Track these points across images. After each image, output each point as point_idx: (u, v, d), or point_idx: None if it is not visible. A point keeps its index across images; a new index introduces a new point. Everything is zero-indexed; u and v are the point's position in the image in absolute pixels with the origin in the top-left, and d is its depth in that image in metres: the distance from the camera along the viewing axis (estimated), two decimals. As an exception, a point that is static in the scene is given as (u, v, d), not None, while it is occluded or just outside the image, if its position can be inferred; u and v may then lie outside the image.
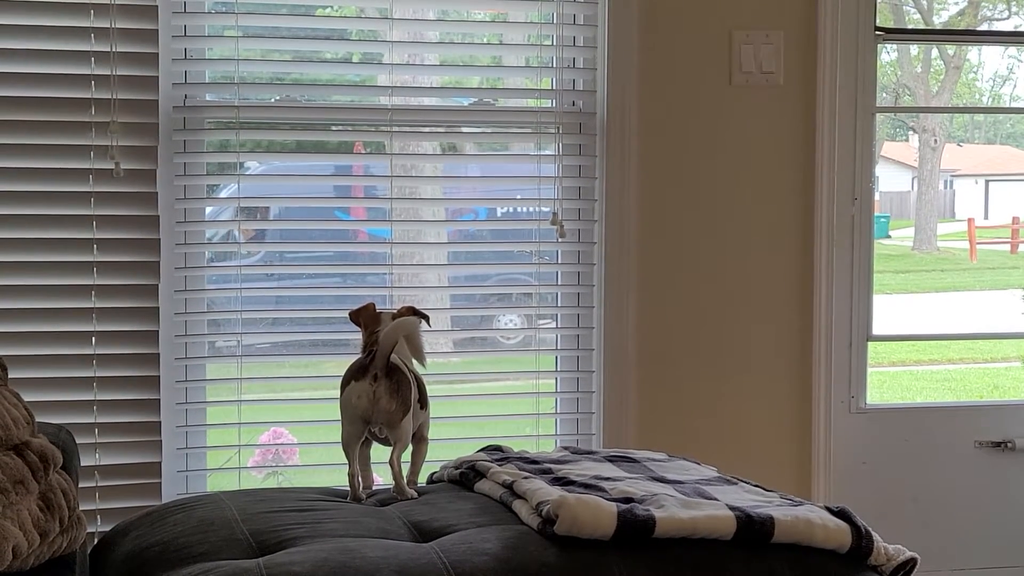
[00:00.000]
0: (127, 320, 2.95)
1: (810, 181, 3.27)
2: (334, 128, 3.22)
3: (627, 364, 3.18)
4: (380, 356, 2.19)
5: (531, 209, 3.25)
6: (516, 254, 3.34)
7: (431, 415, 2.42)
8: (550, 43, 3.16)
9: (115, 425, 2.94)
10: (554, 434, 3.24)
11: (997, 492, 3.42)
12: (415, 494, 2.24)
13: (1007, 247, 8.29)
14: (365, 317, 2.38)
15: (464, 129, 3.31)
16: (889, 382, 6.95)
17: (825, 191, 3.26)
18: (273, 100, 3.15)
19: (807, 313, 3.29)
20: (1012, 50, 5.48)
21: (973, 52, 5.90)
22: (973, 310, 7.33)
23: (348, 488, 2.24)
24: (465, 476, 2.27)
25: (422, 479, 2.39)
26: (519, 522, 1.96)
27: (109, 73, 2.88)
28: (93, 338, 2.93)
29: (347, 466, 2.24)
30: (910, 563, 1.97)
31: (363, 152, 3.34)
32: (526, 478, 2.08)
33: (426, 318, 2.36)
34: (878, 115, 3.43)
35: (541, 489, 1.99)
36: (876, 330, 3.38)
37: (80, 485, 2.31)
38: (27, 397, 2.05)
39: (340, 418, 2.24)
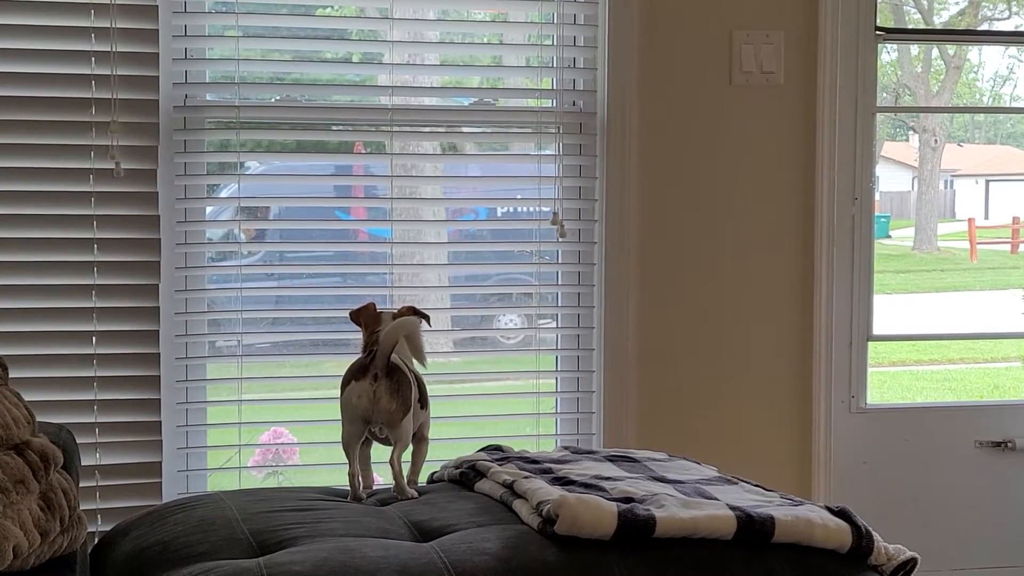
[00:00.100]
0: (127, 320, 2.95)
1: (810, 181, 3.27)
2: (334, 128, 3.22)
3: (627, 364, 3.18)
4: (380, 356, 2.19)
5: (531, 209, 3.25)
6: (516, 254, 3.34)
7: (431, 415, 2.42)
8: (550, 43, 3.16)
9: (115, 425, 2.94)
10: (554, 434, 3.24)
11: (997, 492, 3.42)
12: (415, 494, 2.24)
13: (1007, 247, 8.29)
14: (365, 317, 2.38)
15: (464, 129, 3.31)
16: (889, 382, 6.95)
17: (825, 191, 3.26)
18: (273, 100, 3.15)
19: (807, 313, 3.29)
20: (1012, 50, 5.47)
21: (973, 52, 5.90)
22: (973, 310, 7.33)
23: (348, 488, 2.24)
24: (465, 476, 2.27)
25: (422, 479, 2.39)
26: (519, 522, 1.96)
27: (109, 73, 2.88)
28: (94, 338, 2.93)
29: (347, 466, 2.24)
30: (910, 563, 1.97)
31: (363, 152, 3.35)
32: (526, 478, 2.08)
33: (426, 318, 2.36)
34: (878, 115, 3.43)
35: (541, 489, 1.99)
36: (876, 330, 3.38)
37: (81, 485, 2.31)
38: (28, 397, 2.05)
39: (340, 418, 2.24)
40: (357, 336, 2.43)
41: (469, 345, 3.45)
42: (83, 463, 2.54)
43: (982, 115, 7.58)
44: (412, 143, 3.27)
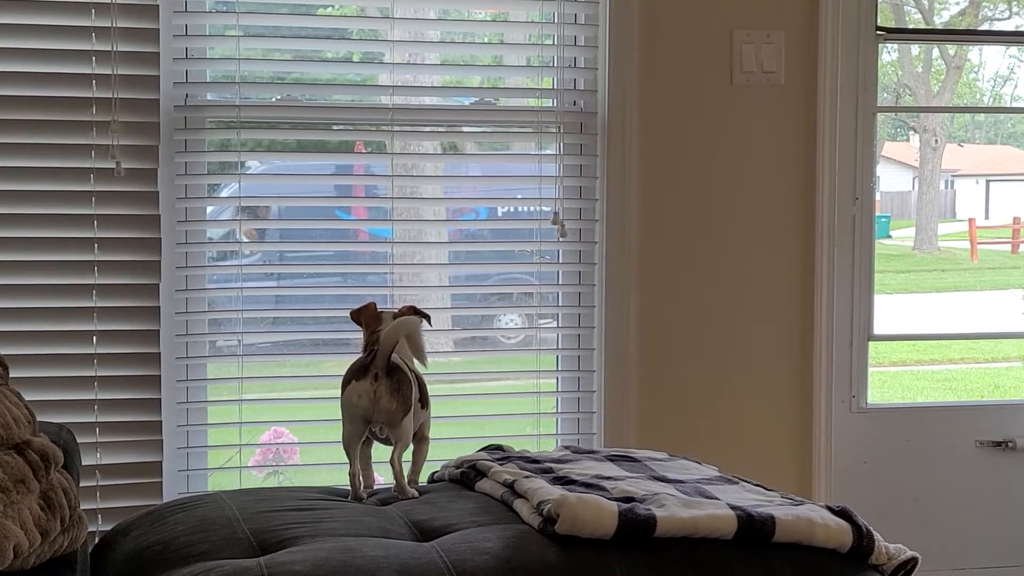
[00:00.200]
0: (128, 319, 2.95)
1: (811, 181, 3.27)
2: (335, 127, 3.22)
3: (628, 363, 3.18)
4: (381, 355, 2.19)
5: (532, 208, 3.25)
6: (517, 253, 3.34)
7: (432, 414, 2.42)
8: (551, 42, 3.16)
9: (116, 424, 2.94)
10: (555, 433, 3.24)
11: (998, 492, 3.42)
12: (416, 493, 2.24)
13: (1008, 247, 8.30)
14: (366, 316, 2.38)
15: (465, 128, 3.31)
16: (890, 382, 6.95)
17: (826, 191, 3.26)
18: (274, 99, 3.15)
19: (808, 313, 3.29)
20: (1013, 50, 5.48)
21: (974, 52, 5.90)
22: (974, 310, 7.34)
23: (349, 487, 2.24)
24: (466, 475, 2.27)
25: (423, 478, 2.39)
26: (520, 521, 1.96)
27: (110, 72, 2.88)
28: (94, 337, 2.93)
29: (348, 465, 2.24)
30: (911, 562, 1.97)
31: (364, 151, 3.35)
32: (527, 477, 2.08)
33: (427, 317, 2.36)
34: (879, 115, 3.43)
35: (542, 488, 1.99)
36: (877, 330, 3.38)
37: (81, 484, 2.31)
38: (28, 396, 2.05)
39: (341, 417, 2.24)
40: (358, 336, 2.43)
41: (470, 345, 3.45)
42: (84, 463, 2.54)
43: (982, 115, 7.59)
44: (413, 143, 3.27)
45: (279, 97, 3.18)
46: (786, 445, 3.29)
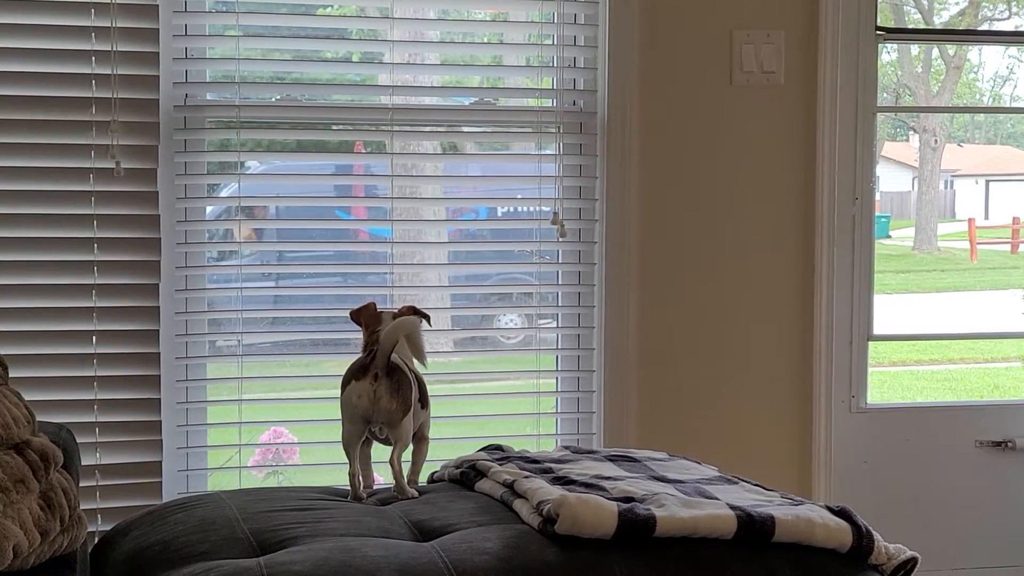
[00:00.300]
0: (128, 319, 2.95)
1: (811, 181, 3.27)
2: (335, 127, 3.22)
3: (628, 363, 3.18)
4: (381, 355, 2.19)
5: (532, 208, 3.25)
6: (517, 253, 3.34)
7: (432, 414, 2.41)
8: (551, 42, 3.16)
9: (116, 424, 2.94)
10: (555, 433, 3.24)
11: (998, 492, 3.42)
12: (416, 493, 2.24)
13: (1007, 247, 8.29)
14: (366, 316, 2.38)
15: (465, 128, 3.31)
16: (890, 382, 6.95)
17: (826, 191, 3.26)
18: (274, 99, 3.15)
19: (808, 313, 3.29)
20: (1013, 50, 5.47)
21: (974, 52, 5.90)
22: (973, 310, 7.33)
23: (349, 487, 2.24)
24: (466, 475, 2.27)
25: (423, 478, 2.39)
26: (520, 521, 1.96)
27: (110, 72, 2.88)
28: (94, 337, 2.93)
29: (348, 465, 2.24)
30: (911, 562, 1.97)
31: (364, 151, 3.35)
32: (527, 477, 2.08)
33: (427, 317, 2.36)
34: (879, 115, 3.43)
35: (542, 488, 1.99)
36: (877, 330, 3.38)
37: (81, 484, 2.31)
38: (28, 396, 2.05)
39: (340, 417, 2.24)
40: (357, 336, 2.43)
41: (469, 345, 3.45)
42: (83, 462, 2.54)
43: (982, 115, 7.58)
44: (412, 142, 3.27)
45: (279, 97, 3.18)
46: (786, 445, 3.29)
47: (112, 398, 2.94)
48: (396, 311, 2.37)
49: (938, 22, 4.10)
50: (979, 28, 4.58)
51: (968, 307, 7.48)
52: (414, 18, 3.21)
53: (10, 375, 2.09)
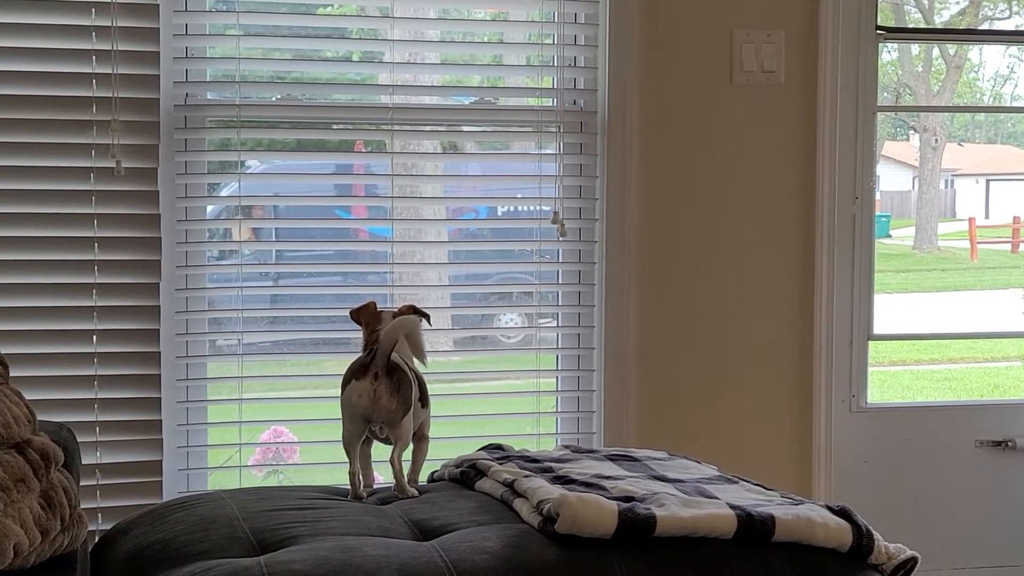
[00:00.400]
0: (128, 318, 2.95)
1: (811, 180, 3.27)
2: (335, 127, 3.22)
3: (628, 363, 3.19)
4: (381, 355, 2.19)
5: (532, 208, 3.25)
6: (517, 253, 3.34)
7: (432, 414, 2.42)
8: (551, 42, 3.16)
9: (116, 423, 2.94)
10: (555, 433, 3.24)
11: (998, 491, 3.43)
12: (416, 493, 2.24)
13: (1008, 246, 8.30)
14: (366, 315, 2.38)
15: (465, 128, 3.31)
16: (890, 381, 6.95)
17: (826, 190, 3.26)
18: (274, 99, 3.15)
19: (808, 312, 3.29)
20: (1013, 49, 5.48)
21: (974, 51, 5.90)
22: (974, 309, 7.34)
23: (349, 487, 2.24)
24: (466, 475, 2.27)
25: (423, 478, 2.39)
26: (520, 521, 1.96)
27: (110, 72, 2.88)
28: (94, 336, 2.93)
29: (348, 465, 2.24)
30: (911, 562, 1.97)
31: (364, 151, 3.35)
32: (527, 477, 2.09)
33: (427, 317, 2.36)
34: (879, 114, 3.43)
35: (542, 488, 1.99)
36: (877, 329, 3.38)
37: (81, 483, 2.31)
38: (28, 395, 2.05)
39: (341, 417, 2.25)
40: (357, 335, 2.43)
41: (469, 344, 3.45)
42: (84, 462, 2.54)
43: (983, 115, 7.59)
44: (413, 142, 3.27)
45: (279, 96, 3.18)
46: (786, 444, 3.29)
47: (112, 397, 2.94)
48: (396, 310, 2.37)
49: (939, 21, 4.10)
50: (979, 27, 4.58)
51: (968, 306, 7.48)
52: (414, 17, 3.21)
53: (11, 374, 2.09)
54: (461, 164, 3.52)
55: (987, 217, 8.47)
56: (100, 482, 2.93)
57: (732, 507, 1.91)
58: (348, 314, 2.42)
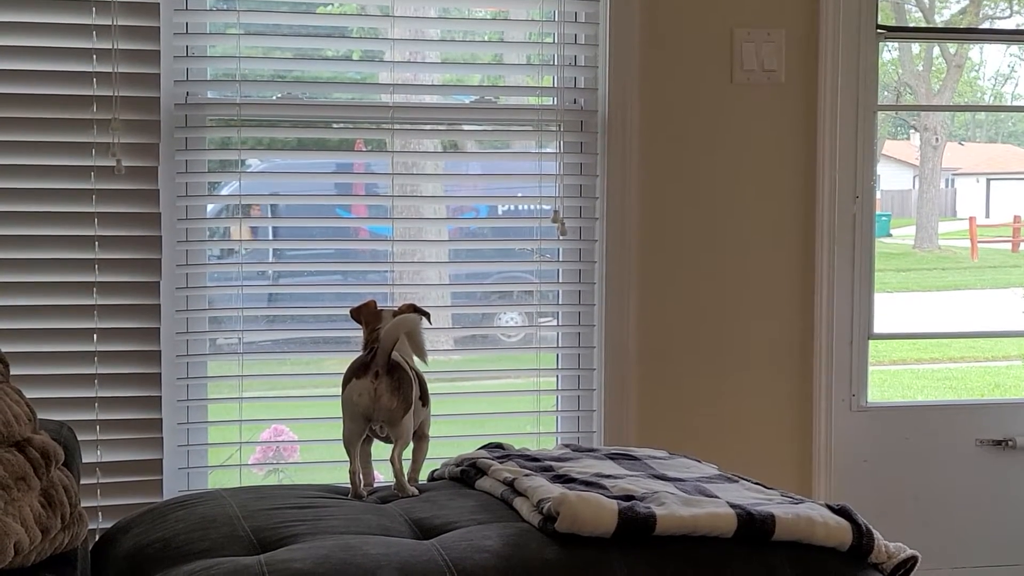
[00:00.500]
0: (128, 317, 2.95)
1: (811, 179, 3.27)
2: (335, 126, 3.22)
3: (628, 361, 3.19)
4: (381, 353, 2.19)
5: (532, 207, 3.25)
6: (517, 252, 3.34)
7: (432, 412, 2.42)
8: (551, 41, 3.16)
9: (116, 422, 2.94)
10: (555, 431, 3.25)
11: (998, 490, 3.43)
12: (416, 491, 2.24)
13: (1008, 246, 8.30)
14: (366, 314, 2.38)
15: (465, 127, 3.31)
16: (890, 380, 6.95)
17: (826, 189, 3.26)
18: (274, 97, 3.15)
19: (808, 311, 3.29)
20: (1014, 48, 5.47)
21: (975, 50, 5.90)
22: (974, 308, 7.34)
23: (349, 485, 2.24)
24: (466, 473, 2.27)
25: (423, 476, 2.39)
26: (520, 519, 1.96)
27: (111, 70, 2.88)
28: (95, 335, 2.93)
29: (348, 463, 2.24)
30: (911, 561, 1.97)
31: (364, 150, 3.35)
32: (527, 475, 2.09)
33: (427, 315, 2.36)
34: (879, 113, 3.43)
35: (542, 487, 1.99)
36: (877, 328, 3.38)
37: (81, 482, 2.31)
38: (29, 394, 2.05)
39: (341, 415, 2.25)
40: (358, 334, 2.43)
41: (470, 343, 3.45)
42: (84, 460, 2.55)
43: (983, 114, 7.58)
44: (413, 141, 3.27)
45: (279, 95, 3.18)
46: (786, 443, 3.29)
47: (113, 396, 2.94)
48: (396, 309, 2.37)
49: (939, 20, 4.10)
50: (980, 26, 4.58)
51: (969, 306, 7.48)
52: (415, 16, 3.21)
53: (11, 373, 2.09)
54: (461, 163, 3.52)
55: (987, 216, 8.47)
56: (100, 480, 2.93)
57: (732, 506, 1.91)
58: (348, 313, 2.42)
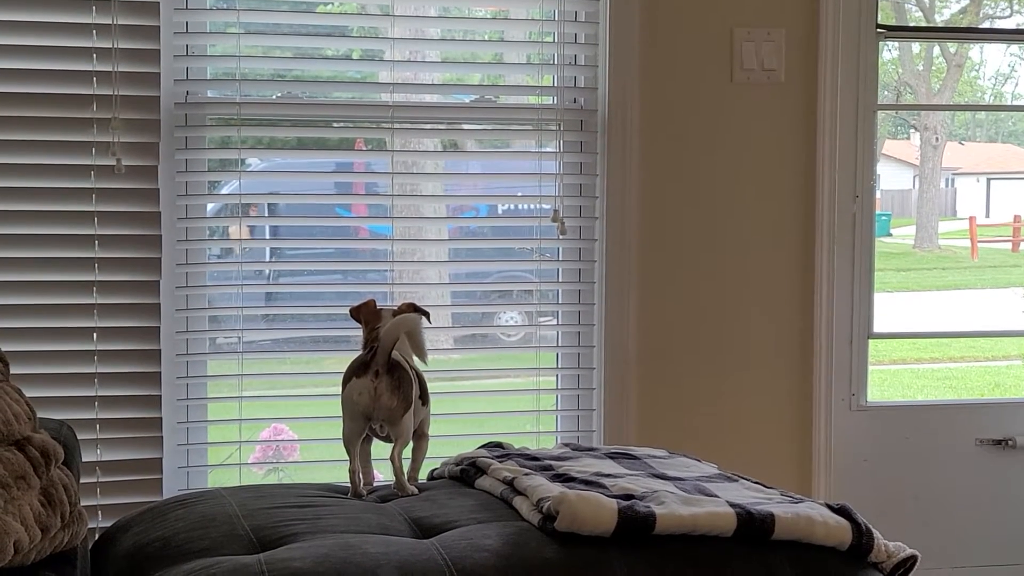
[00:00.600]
0: (128, 316, 2.95)
1: (811, 179, 3.27)
2: (335, 125, 3.22)
3: (628, 361, 3.19)
4: (381, 353, 2.19)
5: (532, 206, 3.25)
6: (517, 251, 3.34)
7: (432, 411, 2.42)
8: (551, 40, 3.16)
9: (116, 421, 2.94)
10: (555, 431, 3.25)
11: (998, 490, 3.43)
12: (416, 490, 2.24)
13: (1008, 245, 8.30)
14: (366, 313, 2.38)
15: (465, 126, 3.31)
16: (890, 380, 6.95)
17: (826, 189, 3.26)
18: (274, 97, 3.15)
19: (808, 310, 3.29)
20: (1014, 48, 5.47)
21: (975, 50, 5.90)
22: (974, 308, 7.34)
23: (349, 484, 2.24)
24: (466, 473, 2.27)
25: (423, 475, 2.39)
26: (520, 519, 1.96)
27: (111, 70, 2.88)
28: (94, 334, 2.93)
29: (348, 462, 2.24)
30: (910, 560, 1.97)
31: (364, 149, 3.35)
32: (527, 475, 2.09)
33: (427, 315, 2.36)
34: (879, 113, 3.43)
35: (542, 486, 1.99)
36: (877, 328, 3.38)
37: (81, 481, 2.31)
38: (28, 393, 2.05)
39: (341, 414, 2.25)
40: (357, 333, 2.43)
41: (470, 342, 3.45)
42: (84, 459, 2.55)
43: (983, 113, 7.58)
44: (413, 140, 3.27)
45: (279, 94, 3.18)
46: (786, 443, 3.29)
47: (113, 395, 2.94)
48: (396, 308, 2.37)
49: (939, 20, 4.10)
50: (980, 26, 4.58)
51: (969, 305, 7.48)
52: (415, 16, 3.21)
53: (11, 371, 2.09)
54: (461, 162, 3.52)
55: (988, 216, 8.47)
56: (100, 479, 2.93)
57: (732, 505, 1.91)
58: (348, 312, 2.43)
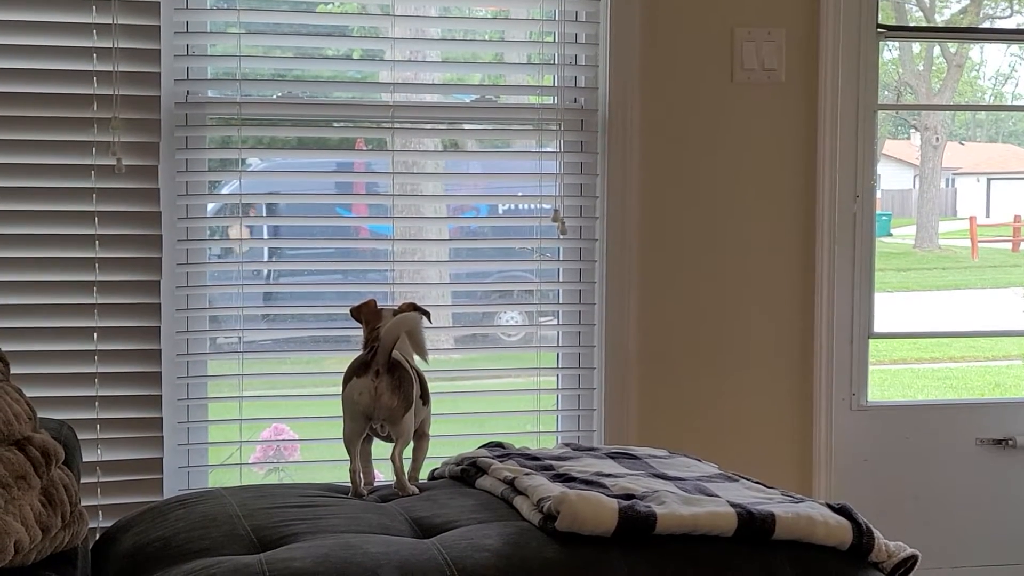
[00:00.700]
0: (129, 316, 2.95)
1: (812, 179, 3.27)
2: (336, 125, 3.22)
3: (628, 361, 3.19)
4: (382, 352, 2.19)
5: (532, 206, 3.25)
6: (517, 251, 3.34)
7: (432, 411, 2.42)
8: (552, 40, 3.16)
9: (117, 421, 2.94)
10: (555, 431, 3.25)
11: (998, 490, 3.43)
12: (416, 490, 2.24)
13: (1008, 245, 8.30)
14: (366, 313, 2.38)
15: (466, 126, 3.31)
16: (890, 380, 6.95)
17: (827, 189, 3.26)
18: (275, 97, 3.15)
19: (808, 310, 3.29)
20: (1014, 48, 5.47)
21: (975, 50, 5.90)
22: (974, 308, 7.34)
23: (349, 484, 2.24)
24: (466, 472, 2.27)
25: (423, 475, 2.39)
26: (520, 518, 1.96)
27: (111, 69, 2.88)
28: (95, 334, 2.93)
29: (348, 462, 2.24)
30: (911, 560, 1.97)
31: (365, 149, 3.35)
32: (527, 474, 2.09)
33: (427, 314, 2.36)
34: (880, 113, 3.43)
35: (542, 486, 1.99)
36: (877, 327, 3.38)
37: (82, 481, 2.31)
38: (29, 393, 2.05)
39: (341, 414, 2.25)
40: (358, 333, 2.43)
41: (470, 342, 3.45)
42: (84, 459, 2.54)
43: (983, 113, 7.59)
44: (413, 140, 3.27)
45: (280, 94, 3.18)
46: (786, 443, 3.29)
47: (113, 395, 2.94)
48: (396, 308, 2.37)
49: (940, 20, 4.10)
50: (981, 26, 4.58)
51: (969, 305, 7.48)
52: (415, 15, 3.21)
53: (11, 371, 2.09)
54: (462, 162, 3.52)
55: (988, 216, 8.47)
56: (101, 479, 2.93)
57: (732, 505, 1.91)
58: (348, 312, 2.43)
